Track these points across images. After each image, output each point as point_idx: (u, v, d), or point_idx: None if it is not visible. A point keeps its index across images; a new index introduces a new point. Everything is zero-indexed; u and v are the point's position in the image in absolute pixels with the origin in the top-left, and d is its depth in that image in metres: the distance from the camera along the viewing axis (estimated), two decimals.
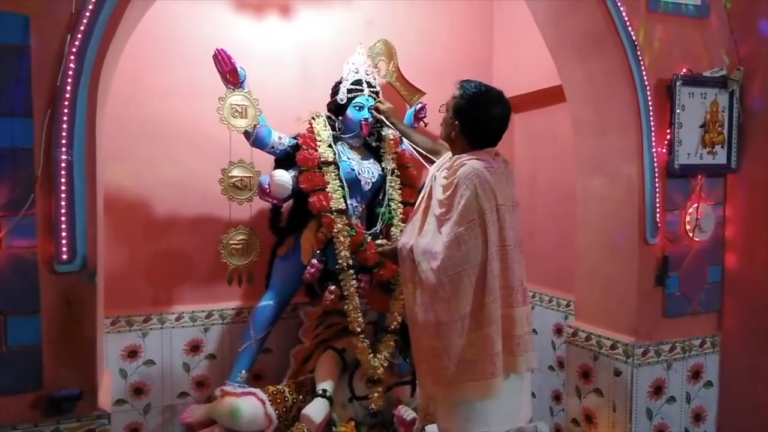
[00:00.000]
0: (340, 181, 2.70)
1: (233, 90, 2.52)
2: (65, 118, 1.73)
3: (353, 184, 2.75)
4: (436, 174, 2.10)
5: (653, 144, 2.44)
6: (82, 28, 1.75)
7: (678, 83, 2.47)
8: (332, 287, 2.65)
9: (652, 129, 2.44)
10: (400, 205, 2.83)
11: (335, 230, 2.63)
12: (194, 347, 2.93)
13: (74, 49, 1.74)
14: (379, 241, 2.45)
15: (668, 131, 2.49)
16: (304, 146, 2.71)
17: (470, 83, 2.07)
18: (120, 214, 2.74)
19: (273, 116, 2.71)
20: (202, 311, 2.94)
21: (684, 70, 2.51)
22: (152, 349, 2.85)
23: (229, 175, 2.59)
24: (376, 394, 2.67)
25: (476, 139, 2.05)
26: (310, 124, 2.80)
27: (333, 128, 2.83)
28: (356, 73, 2.85)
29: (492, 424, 1.96)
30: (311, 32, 3.08)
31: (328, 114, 2.86)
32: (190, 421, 2.70)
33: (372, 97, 2.83)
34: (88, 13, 1.75)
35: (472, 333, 1.90)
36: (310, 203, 2.64)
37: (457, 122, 2.06)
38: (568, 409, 2.76)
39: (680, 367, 2.57)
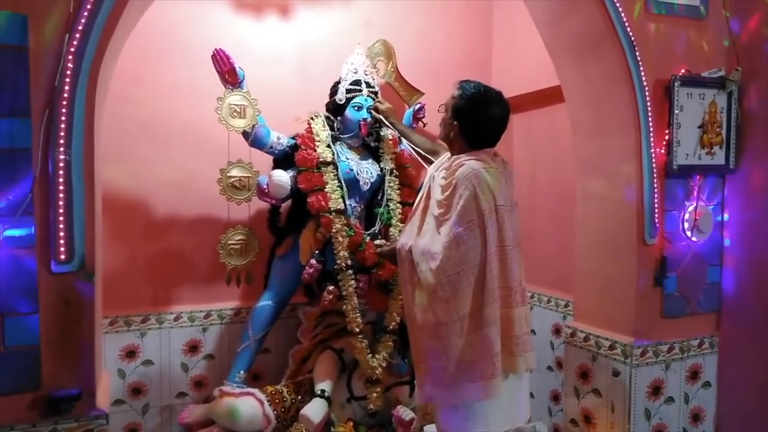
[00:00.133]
0: (339, 182, 2.70)
1: (232, 90, 2.51)
2: (63, 118, 1.73)
3: (352, 184, 2.75)
4: (435, 174, 2.10)
5: (652, 144, 2.44)
6: (80, 27, 1.75)
7: (676, 84, 2.47)
8: (331, 287, 2.65)
9: (651, 129, 2.44)
10: (398, 205, 2.83)
11: (334, 230, 2.63)
12: (193, 347, 2.93)
13: (72, 49, 1.74)
14: (377, 242, 2.46)
15: (667, 132, 2.50)
16: (302, 146, 2.71)
17: (469, 83, 2.07)
18: (119, 214, 2.74)
19: (271, 116, 2.70)
20: (201, 311, 2.93)
21: (682, 71, 2.51)
22: (151, 349, 2.84)
23: (228, 175, 2.58)
24: (374, 395, 2.68)
25: (475, 139, 2.05)
26: (309, 124, 2.80)
27: (332, 128, 2.83)
28: (355, 73, 2.84)
29: (491, 425, 1.96)
30: (310, 32, 3.08)
31: (326, 114, 2.87)
32: (189, 421, 2.69)
33: (371, 97, 2.83)
34: (86, 13, 1.75)
35: (471, 333, 1.90)
36: (308, 203, 2.64)
37: (455, 122, 2.06)
38: (567, 410, 2.76)
39: (678, 368, 2.57)
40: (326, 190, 2.65)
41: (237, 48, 2.62)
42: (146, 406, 2.85)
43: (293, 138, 2.76)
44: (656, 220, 2.46)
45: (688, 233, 2.56)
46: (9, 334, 1.72)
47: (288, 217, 2.85)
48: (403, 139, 2.76)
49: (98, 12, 1.77)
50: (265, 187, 2.64)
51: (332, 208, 2.64)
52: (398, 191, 2.85)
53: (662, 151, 2.50)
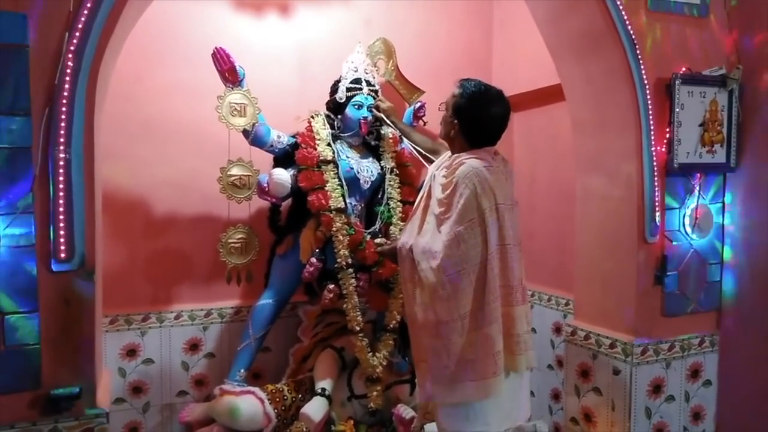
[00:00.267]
0: (339, 180, 2.70)
1: (232, 88, 2.52)
2: (63, 117, 1.73)
3: (352, 182, 2.75)
4: (436, 173, 2.10)
5: (652, 143, 2.44)
6: (80, 26, 1.75)
7: (677, 82, 2.46)
8: (331, 286, 2.65)
9: (652, 128, 2.44)
10: (399, 203, 2.83)
11: (334, 229, 2.62)
12: (193, 346, 2.93)
13: (72, 48, 1.74)
14: (378, 241, 2.45)
15: (667, 130, 2.49)
16: (303, 145, 2.70)
17: (470, 82, 2.07)
18: (119, 213, 2.74)
19: (272, 115, 2.70)
20: (201, 310, 2.94)
21: (683, 69, 2.51)
22: (151, 348, 2.85)
23: (228, 173, 2.58)
24: (375, 393, 2.68)
25: (475, 137, 2.05)
26: (309, 122, 2.79)
27: (332, 127, 2.82)
28: (355, 71, 2.84)
29: (491, 423, 1.96)
30: (310, 31, 3.08)
31: (327, 113, 2.86)
32: (189, 419, 2.70)
33: (371, 95, 2.83)
34: (86, 12, 1.75)
35: (472, 332, 1.90)
36: (309, 202, 2.64)
37: (456, 121, 2.06)
38: (567, 408, 2.76)
39: (679, 366, 2.57)
40: (326, 188, 2.65)
41: (237, 46, 2.62)
42: (147, 404, 2.85)
43: (293, 136, 2.75)
44: (657, 219, 2.46)
45: (689, 232, 2.55)
46: (9, 333, 1.72)
47: (288, 215, 2.85)
48: (405, 138, 2.76)
49: (98, 10, 1.76)
50: (265, 185, 2.64)
51: (332, 207, 2.64)
52: (398, 190, 2.85)
53: (663, 149, 2.49)
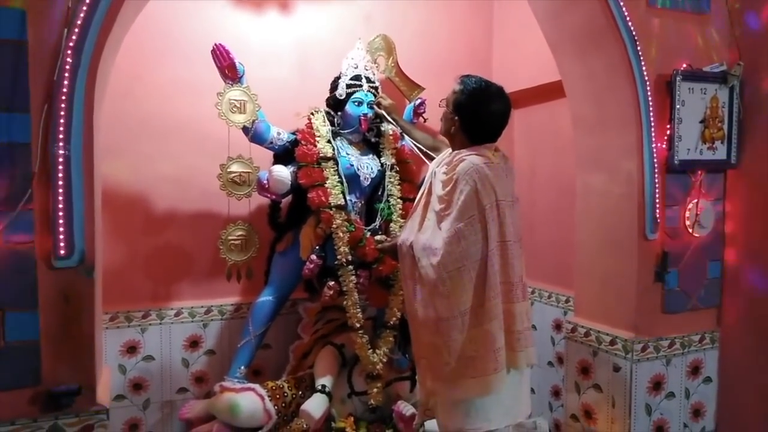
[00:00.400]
0: (339, 177, 2.69)
1: (232, 85, 2.51)
2: (62, 113, 1.72)
3: (352, 179, 2.75)
4: (436, 170, 2.10)
5: (653, 139, 2.44)
6: (79, 22, 1.74)
7: (678, 78, 2.46)
8: (331, 283, 2.64)
9: (652, 124, 2.43)
10: (399, 200, 2.82)
11: (334, 226, 2.62)
12: (193, 343, 2.93)
13: (71, 44, 1.73)
14: (378, 237, 2.46)
15: (668, 127, 2.49)
16: (302, 142, 2.70)
17: (470, 78, 2.06)
18: (119, 210, 2.74)
19: (272, 111, 2.70)
20: (201, 307, 2.93)
21: (684, 66, 2.50)
22: (151, 345, 2.85)
23: (228, 170, 2.58)
24: (375, 390, 2.68)
25: (476, 134, 2.05)
26: (309, 119, 2.79)
27: (332, 124, 2.82)
28: (355, 68, 2.83)
29: (491, 420, 1.97)
30: (310, 27, 3.07)
31: (327, 109, 2.86)
32: (189, 416, 2.70)
33: (371, 92, 2.82)
34: (85, 8, 1.74)
35: (473, 329, 1.90)
36: (309, 199, 2.64)
37: (456, 117, 2.06)
38: (567, 405, 2.76)
39: (679, 363, 2.57)
40: (326, 185, 2.65)
41: (237, 43, 2.61)
42: (147, 401, 2.85)
43: (293, 133, 2.75)
44: (657, 216, 2.45)
45: (690, 228, 2.55)
46: (9, 330, 1.71)
47: (288, 212, 2.84)
48: (405, 135, 2.75)
49: (97, 6, 1.76)
50: (265, 182, 2.64)
51: (332, 204, 2.63)
52: (399, 186, 2.85)
53: (663, 146, 2.49)
